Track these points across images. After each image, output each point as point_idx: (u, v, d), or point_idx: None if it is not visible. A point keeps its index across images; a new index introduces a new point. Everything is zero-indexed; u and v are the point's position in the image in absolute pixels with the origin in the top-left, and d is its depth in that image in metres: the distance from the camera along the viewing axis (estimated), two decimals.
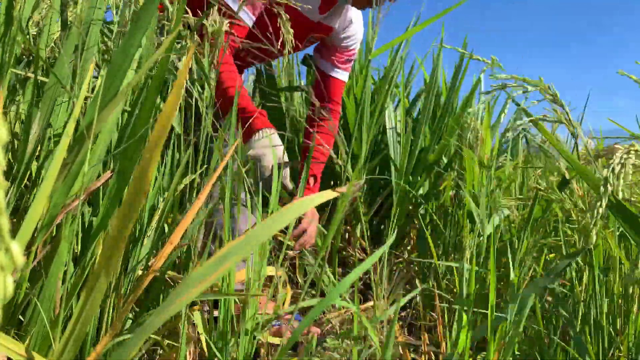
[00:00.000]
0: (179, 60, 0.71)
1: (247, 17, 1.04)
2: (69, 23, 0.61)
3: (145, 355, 0.76)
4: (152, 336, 0.68)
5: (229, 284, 0.70)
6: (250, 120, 0.78)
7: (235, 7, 0.99)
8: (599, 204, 0.58)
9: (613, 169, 0.59)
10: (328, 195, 0.39)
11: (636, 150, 0.62)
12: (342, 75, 1.33)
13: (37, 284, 0.54)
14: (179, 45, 0.70)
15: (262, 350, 0.80)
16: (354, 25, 1.30)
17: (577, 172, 0.71)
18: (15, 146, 0.65)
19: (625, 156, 0.61)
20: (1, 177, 0.19)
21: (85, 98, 0.59)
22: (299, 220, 1.05)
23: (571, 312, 0.79)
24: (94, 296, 0.36)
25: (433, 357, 0.90)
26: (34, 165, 0.63)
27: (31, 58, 0.69)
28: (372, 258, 0.43)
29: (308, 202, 0.41)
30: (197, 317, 0.72)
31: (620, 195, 0.59)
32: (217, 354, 0.69)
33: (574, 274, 0.82)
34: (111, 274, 0.37)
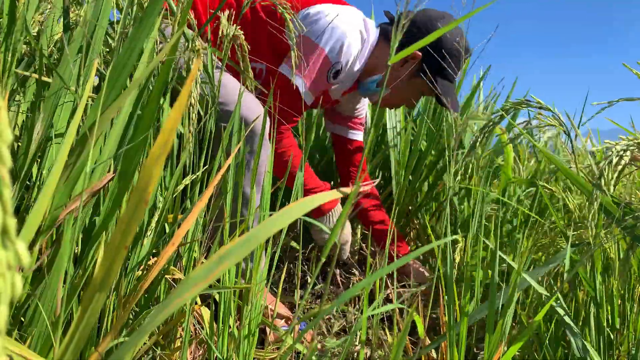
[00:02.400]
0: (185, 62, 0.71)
1: (309, 98, 1.18)
2: (71, 24, 0.61)
3: (145, 356, 0.76)
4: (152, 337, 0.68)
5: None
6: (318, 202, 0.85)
7: (301, 88, 1.12)
8: (594, 204, 0.60)
9: (606, 167, 0.61)
10: (332, 195, 0.38)
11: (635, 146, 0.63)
12: (361, 136, 1.46)
13: (38, 285, 0.54)
14: (184, 47, 0.70)
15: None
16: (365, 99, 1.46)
17: (565, 174, 0.74)
18: (16, 146, 0.65)
19: (621, 153, 0.62)
20: (7, 176, 0.19)
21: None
22: None
23: (571, 312, 0.79)
24: (92, 306, 0.36)
25: (434, 356, 0.90)
26: (36, 166, 0.63)
27: (32, 58, 0.69)
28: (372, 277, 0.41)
29: (309, 202, 0.40)
30: (204, 311, 0.72)
31: (612, 191, 0.61)
32: (218, 354, 0.69)
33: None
34: (111, 283, 0.36)
